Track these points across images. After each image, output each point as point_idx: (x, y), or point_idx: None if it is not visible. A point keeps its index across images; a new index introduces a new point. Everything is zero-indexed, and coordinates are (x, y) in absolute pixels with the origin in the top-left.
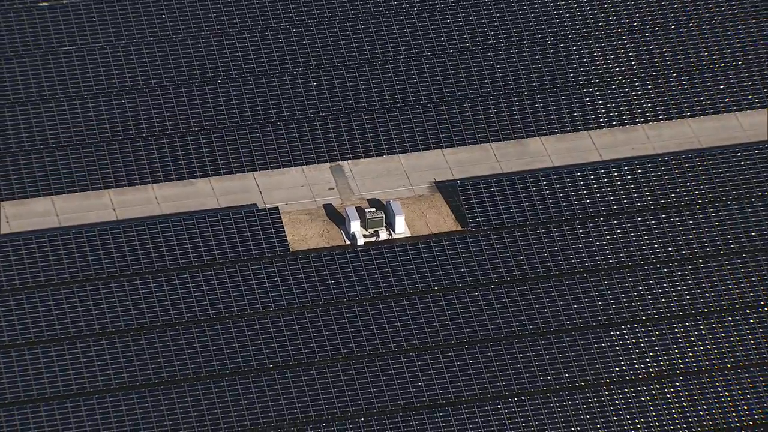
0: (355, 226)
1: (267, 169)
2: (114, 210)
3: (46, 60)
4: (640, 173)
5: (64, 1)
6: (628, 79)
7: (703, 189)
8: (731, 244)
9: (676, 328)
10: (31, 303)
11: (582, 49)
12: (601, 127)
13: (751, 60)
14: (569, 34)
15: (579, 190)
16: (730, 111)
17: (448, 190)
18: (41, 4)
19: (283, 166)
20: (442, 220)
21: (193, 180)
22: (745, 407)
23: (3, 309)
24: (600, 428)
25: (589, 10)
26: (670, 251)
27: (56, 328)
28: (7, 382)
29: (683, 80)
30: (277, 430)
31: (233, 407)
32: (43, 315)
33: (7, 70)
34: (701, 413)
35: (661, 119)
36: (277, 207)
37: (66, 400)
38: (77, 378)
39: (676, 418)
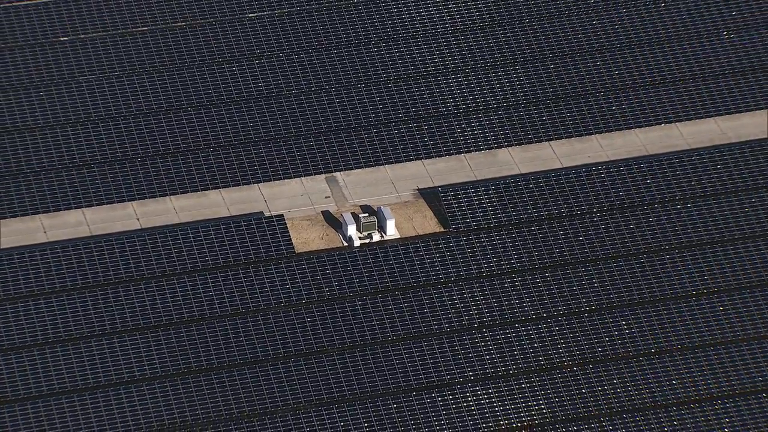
0: (352, 230)
1: (270, 180)
2: (138, 220)
3: (71, 89)
4: (596, 177)
5: (82, 36)
6: (582, 96)
7: (653, 190)
8: (681, 239)
9: (640, 313)
10: (71, 303)
11: (538, 69)
12: (559, 138)
13: (696, 75)
14: (537, 55)
15: (545, 194)
16: (671, 122)
17: (429, 196)
18: (62, 39)
19: (284, 178)
20: (426, 222)
21: (206, 192)
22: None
23: (47, 308)
24: (580, 406)
25: (550, 30)
26: (633, 245)
27: (94, 325)
28: (55, 375)
29: (630, 96)
30: (287, 412)
31: (254, 392)
32: (82, 313)
33: (37, 99)
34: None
35: (613, 130)
36: (282, 214)
37: (119, 387)
38: (127, 368)
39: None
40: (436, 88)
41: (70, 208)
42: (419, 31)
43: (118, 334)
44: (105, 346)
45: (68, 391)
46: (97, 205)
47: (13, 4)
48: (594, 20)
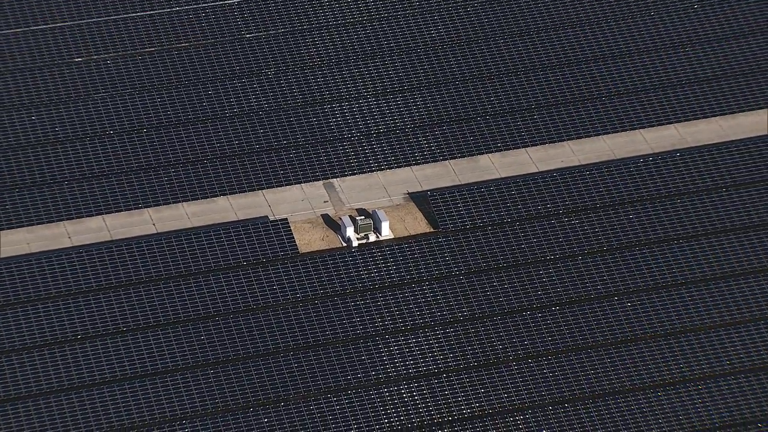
0: (350, 231)
1: (273, 187)
2: (154, 225)
3: (87, 105)
4: (570, 180)
5: (95, 57)
6: (553, 106)
7: (622, 191)
8: (650, 235)
9: (616, 304)
10: (97, 302)
11: (513, 82)
12: (534, 145)
13: (656, 85)
14: (511, 70)
15: (525, 196)
16: (635, 128)
17: (419, 199)
18: (77, 59)
19: (286, 185)
20: (417, 224)
21: (214, 198)
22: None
23: (75, 307)
24: (565, 389)
25: (529, 45)
26: (609, 242)
27: (118, 322)
28: (85, 369)
29: (597, 105)
30: (295, 400)
31: (267, 382)
32: (107, 311)
33: (57, 115)
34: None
35: (582, 137)
36: (286, 218)
37: (145, 379)
38: (150, 361)
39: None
40: (420, 100)
41: (92, 215)
42: (402, 47)
43: (141, 330)
44: (129, 342)
45: (100, 383)
46: (116, 211)
47: (31, 28)
48: (562, 37)
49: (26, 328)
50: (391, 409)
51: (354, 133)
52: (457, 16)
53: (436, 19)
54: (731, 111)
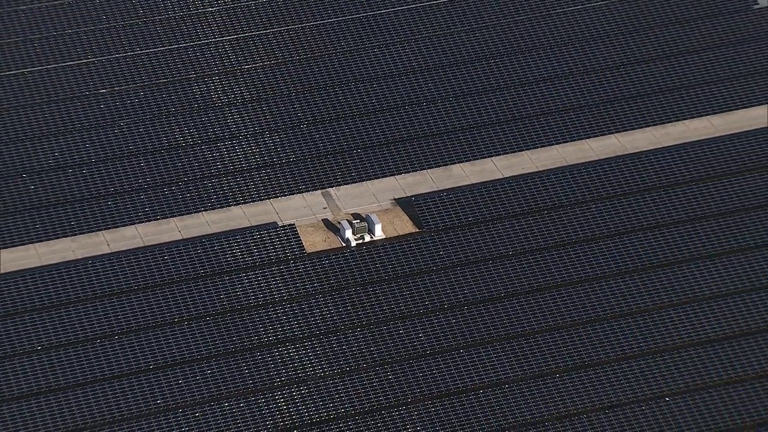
0: (348, 233)
1: (278, 197)
2: (180, 232)
3: (114, 130)
4: (532, 184)
5: (117, 88)
6: (512, 121)
7: (576, 191)
8: (595, 232)
9: (564, 292)
10: (138, 299)
11: (475, 101)
12: (498, 155)
13: (597, 102)
14: (482, 88)
15: (494, 198)
16: (582, 138)
17: (404, 204)
18: (101, 90)
19: (289, 194)
20: (404, 225)
21: (230, 207)
22: None
23: (119, 305)
24: (541, 365)
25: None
26: (568, 235)
27: (156, 316)
28: (140, 355)
29: (549, 120)
30: (306, 380)
31: (280, 364)
32: (146, 307)
33: (89, 139)
34: None
35: (538, 147)
36: (293, 223)
37: (185, 366)
38: (186, 348)
39: None
40: (399, 119)
41: (126, 225)
42: (386, 73)
43: (177, 324)
44: (168, 333)
45: (155, 368)
46: (146, 221)
47: (60, 64)
48: (521, 61)
49: (86, 320)
50: (385, 388)
51: (345, 148)
52: (431, 44)
53: (414, 48)
54: (662, 122)
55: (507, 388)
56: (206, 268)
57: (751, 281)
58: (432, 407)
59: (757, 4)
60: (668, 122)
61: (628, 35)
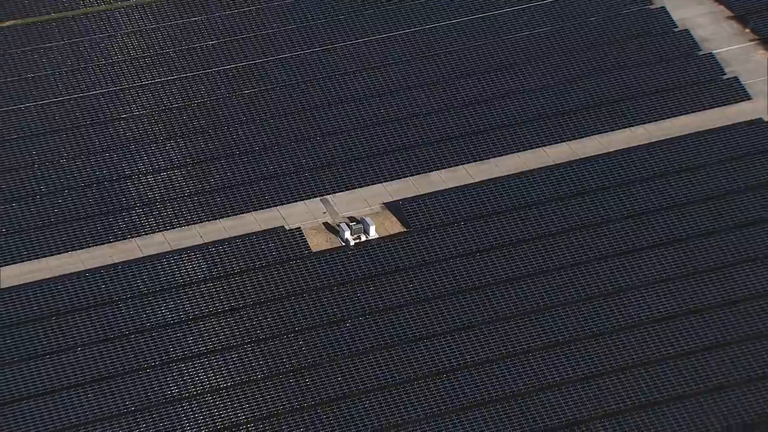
0: (348, 234)
1: (284, 204)
2: (201, 237)
3: (147, 148)
4: (501, 187)
5: (136, 114)
6: (485, 134)
7: (538, 192)
8: (557, 228)
9: (537, 279)
10: (162, 298)
11: (448, 117)
12: (468, 162)
13: (549, 114)
14: (450, 105)
15: (470, 199)
16: (539, 147)
17: (392, 207)
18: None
19: (293, 202)
20: (393, 225)
21: (242, 215)
22: None
23: (134, 309)
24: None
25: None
26: (535, 230)
27: (188, 311)
28: (160, 347)
29: (510, 131)
30: (317, 366)
31: (291, 353)
32: (178, 303)
33: (128, 156)
34: None
35: (503, 154)
36: (300, 227)
37: (215, 354)
38: (210, 341)
39: None
40: (383, 134)
41: (155, 233)
42: (367, 95)
43: (205, 319)
44: (200, 327)
45: (175, 360)
46: (171, 229)
47: (82, 95)
48: (482, 81)
49: (134, 315)
50: (383, 369)
51: (337, 161)
52: (400, 70)
53: (387, 74)
54: (611, 129)
55: (487, 367)
56: (226, 267)
57: (679, 306)
58: (432, 384)
59: (653, 4)
60: (611, 131)
61: (572, 54)
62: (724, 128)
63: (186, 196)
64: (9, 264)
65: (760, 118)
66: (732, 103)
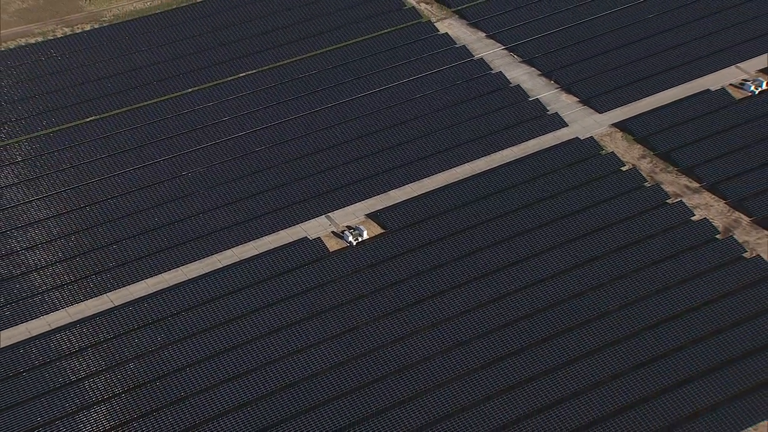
0: (350, 238)
1: (302, 222)
2: (256, 249)
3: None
4: (465, 190)
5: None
6: (434, 157)
7: (494, 190)
8: (535, 222)
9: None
10: (217, 306)
11: (417, 146)
12: (441, 171)
13: (501, 129)
14: (416, 134)
15: (438, 203)
16: (494, 152)
17: (374, 216)
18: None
19: (306, 221)
20: (376, 229)
21: (277, 232)
22: None
23: (207, 310)
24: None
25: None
26: (501, 230)
27: (215, 315)
28: (210, 343)
29: (469, 147)
30: (359, 325)
31: (317, 341)
32: (226, 310)
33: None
34: None
35: (463, 163)
36: (320, 237)
37: (249, 342)
38: (259, 328)
39: None
40: (375, 158)
41: (194, 261)
42: (356, 134)
43: (248, 316)
44: (247, 327)
45: (205, 359)
46: (210, 256)
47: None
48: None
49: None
50: (378, 346)
51: (330, 187)
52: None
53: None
54: (537, 135)
55: (463, 349)
56: (271, 271)
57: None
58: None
59: (405, 6)
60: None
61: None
62: (555, 146)
63: (225, 228)
64: None
65: (576, 137)
66: (557, 129)
